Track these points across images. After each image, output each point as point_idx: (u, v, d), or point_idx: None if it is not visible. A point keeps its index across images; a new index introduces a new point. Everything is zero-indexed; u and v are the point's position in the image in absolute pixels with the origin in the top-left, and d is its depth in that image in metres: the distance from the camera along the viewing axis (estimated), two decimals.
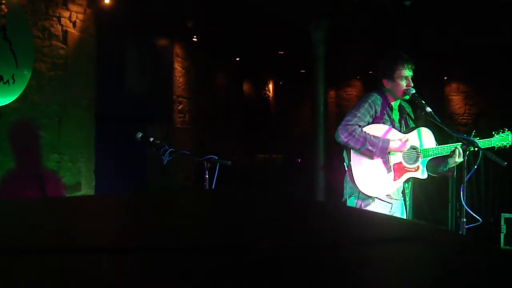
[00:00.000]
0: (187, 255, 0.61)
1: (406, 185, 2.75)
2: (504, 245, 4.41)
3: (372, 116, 2.65)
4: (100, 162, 4.54)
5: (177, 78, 6.68)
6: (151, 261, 0.58)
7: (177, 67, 6.67)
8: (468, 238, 1.48)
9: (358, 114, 2.62)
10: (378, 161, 2.63)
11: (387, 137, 2.63)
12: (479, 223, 2.60)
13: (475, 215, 2.56)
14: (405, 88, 2.64)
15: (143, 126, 5.47)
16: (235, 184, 5.51)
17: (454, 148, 2.59)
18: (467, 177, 2.57)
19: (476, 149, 2.53)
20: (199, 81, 7.42)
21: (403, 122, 2.79)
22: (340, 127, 2.60)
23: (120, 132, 4.88)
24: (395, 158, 2.65)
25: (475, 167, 2.61)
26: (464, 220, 2.52)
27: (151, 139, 2.90)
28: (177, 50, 6.65)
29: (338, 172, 2.86)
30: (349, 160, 2.63)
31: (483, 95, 9.40)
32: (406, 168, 2.66)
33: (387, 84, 2.68)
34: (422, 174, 2.69)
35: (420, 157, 2.65)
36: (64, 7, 4.07)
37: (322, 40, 5.95)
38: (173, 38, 6.46)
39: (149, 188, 5.92)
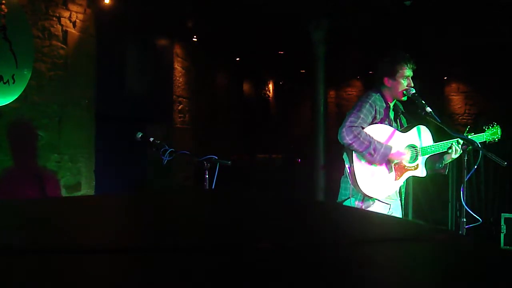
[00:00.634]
0: (187, 255, 0.61)
1: (402, 184, 2.76)
2: (504, 245, 4.41)
3: (373, 116, 2.64)
4: (100, 162, 4.54)
5: (177, 78, 6.68)
6: (151, 261, 0.58)
7: (177, 67, 6.67)
8: (468, 238, 1.48)
9: (361, 115, 2.60)
10: None
11: (392, 139, 2.63)
12: (479, 223, 2.60)
13: (475, 215, 2.57)
14: (406, 87, 2.64)
15: (143, 126, 5.47)
16: (235, 184, 5.51)
17: (450, 145, 2.61)
18: (467, 177, 2.57)
19: (476, 146, 2.54)
20: (199, 81, 7.42)
21: (398, 120, 2.80)
22: (344, 128, 2.57)
23: (120, 132, 4.88)
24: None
25: (475, 167, 2.62)
26: (464, 220, 2.53)
27: (151, 139, 2.90)
28: (177, 50, 6.65)
29: (338, 172, 2.85)
30: (351, 162, 2.62)
31: (483, 95, 9.40)
32: (406, 167, 2.66)
33: (388, 82, 2.68)
34: (421, 172, 2.70)
35: (419, 155, 2.66)
36: (64, 7, 4.07)
37: (322, 40, 5.95)
38: (173, 38, 6.46)
39: (149, 188, 5.92)
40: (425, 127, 2.70)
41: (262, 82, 11.49)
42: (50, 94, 3.87)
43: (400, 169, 2.66)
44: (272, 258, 0.59)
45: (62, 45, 4.05)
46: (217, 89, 8.68)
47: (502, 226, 4.44)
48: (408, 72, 2.65)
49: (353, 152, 2.60)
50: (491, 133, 2.71)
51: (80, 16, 4.26)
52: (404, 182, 2.75)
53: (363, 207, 2.64)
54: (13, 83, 3.39)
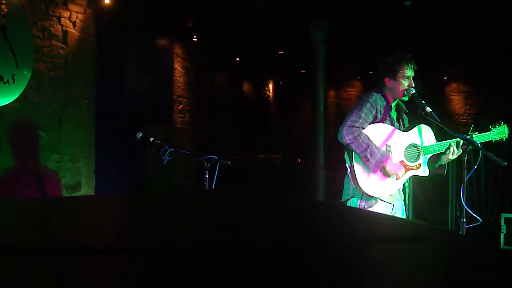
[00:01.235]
0: (187, 255, 0.61)
1: (406, 183, 2.75)
2: (504, 245, 4.41)
3: (374, 116, 2.65)
4: (100, 162, 4.54)
5: (177, 78, 6.68)
6: (151, 261, 0.58)
7: (177, 67, 6.67)
8: (468, 238, 1.48)
9: (362, 115, 2.60)
10: None
11: (392, 138, 2.63)
12: (479, 223, 2.60)
13: (475, 215, 2.56)
14: (406, 88, 2.64)
15: (143, 126, 5.47)
16: (235, 184, 5.51)
17: (449, 145, 2.60)
18: (467, 177, 2.57)
19: (476, 146, 2.53)
20: (199, 81, 7.42)
21: (400, 120, 2.79)
22: (344, 127, 2.57)
23: (120, 132, 4.88)
24: (397, 157, 2.65)
25: (475, 167, 2.61)
26: (464, 220, 2.52)
27: (151, 139, 2.91)
28: (177, 50, 6.65)
29: (338, 172, 2.85)
30: (351, 161, 2.62)
31: (483, 95, 9.40)
32: (408, 167, 2.66)
33: (388, 82, 2.68)
34: (423, 171, 2.69)
35: (421, 155, 2.66)
36: (64, 7, 4.07)
37: (322, 40, 5.95)
38: (173, 38, 6.46)
39: (149, 188, 5.93)
40: (427, 126, 2.69)
41: (262, 82, 11.49)
42: (50, 94, 3.88)
43: (403, 167, 2.66)
44: (272, 258, 0.59)
45: (62, 45, 4.05)
46: (217, 89, 8.68)
47: (502, 226, 4.44)
48: (409, 72, 2.64)
49: (353, 152, 2.61)
50: (498, 132, 2.68)
51: (80, 16, 4.26)
52: (407, 181, 2.75)
53: (365, 206, 2.64)
54: (13, 83, 3.39)
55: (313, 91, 6.05)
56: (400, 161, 2.65)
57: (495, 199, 5.07)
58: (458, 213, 2.60)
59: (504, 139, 2.69)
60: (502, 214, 4.50)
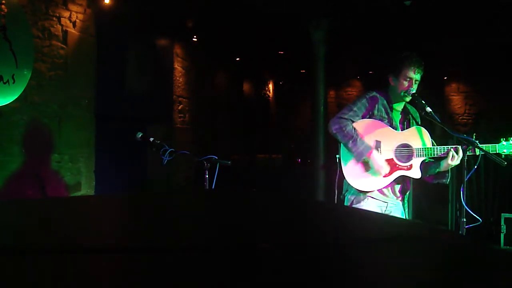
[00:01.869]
0: (187, 255, 0.61)
1: (403, 185, 2.74)
2: (504, 245, 4.41)
3: (369, 111, 2.68)
4: (100, 162, 4.54)
5: (177, 78, 6.68)
6: (151, 261, 0.58)
7: (177, 67, 6.67)
8: (468, 238, 1.48)
9: (354, 108, 2.67)
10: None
11: (378, 132, 2.64)
12: (479, 223, 2.59)
13: (475, 215, 2.56)
14: (405, 88, 2.64)
15: (143, 126, 5.48)
16: (235, 184, 5.51)
17: (447, 150, 2.54)
18: (467, 177, 2.56)
19: (476, 146, 2.51)
20: (199, 81, 7.42)
21: (405, 123, 2.77)
22: (334, 117, 2.69)
23: (120, 132, 4.88)
24: (387, 154, 2.64)
25: (475, 167, 2.60)
26: (464, 220, 2.52)
27: (151, 139, 2.91)
28: (177, 50, 6.65)
29: (337, 171, 2.86)
30: (339, 153, 2.68)
31: (483, 95, 9.41)
32: (398, 166, 2.64)
33: (391, 81, 2.70)
34: (416, 173, 2.64)
35: (413, 156, 2.63)
36: (64, 7, 4.07)
37: (322, 40, 5.95)
38: (173, 38, 6.46)
39: (149, 188, 5.93)
40: (425, 130, 2.67)
41: (262, 82, 11.49)
42: (50, 94, 3.88)
43: (391, 166, 2.64)
44: (272, 258, 0.59)
45: (62, 45, 4.05)
46: (217, 89, 8.68)
47: (502, 226, 4.44)
48: (412, 74, 2.62)
49: (341, 144, 2.67)
50: (509, 146, 2.51)
51: (80, 16, 4.26)
52: (398, 182, 2.73)
53: (354, 201, 2.66)
54: (13, 83, 3.39)
55: (313, 91, 6.04)
56: (389, 159, 2.64)
57: (495, 199, 5.07)
58: (458, 213, 2.59)
59: None
60: (502, 214, 4.50)
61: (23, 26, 3.54)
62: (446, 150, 2.56)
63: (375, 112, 2.67)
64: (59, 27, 4.01)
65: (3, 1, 3.26)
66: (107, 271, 0.55)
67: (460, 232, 2.51)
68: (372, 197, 2.66)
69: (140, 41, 5.65)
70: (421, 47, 6.97)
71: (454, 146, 2.55)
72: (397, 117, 2.75)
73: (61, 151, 4.04)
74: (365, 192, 2.66)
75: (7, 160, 3.46)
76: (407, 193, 2.79)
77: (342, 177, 2.67)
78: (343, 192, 2.73)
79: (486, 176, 5.10)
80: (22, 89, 3.48)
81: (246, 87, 10.52)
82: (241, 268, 0.56)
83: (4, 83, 3.31)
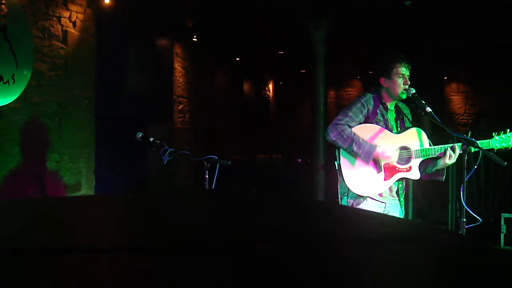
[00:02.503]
0: (187, 255, 0.61)
1: (400, 185, 2.73)
2: (504, 245, 4.41)
3: (365, 115, 2.66)
4: (100, 162, 4.54)
5: (177, 78, 6.68)
6: (151, 261, 0.58)
7: (177, 67, 6.67)
8: (468, 238, 1.48)
9: (350, 114, 2.65)
10: None
11: (378, 137, 2.62)
12: (479, 223, 2.59)
13: (475, 215, 2.56)
14: (403, 86, 2.63)
15: (143, 126, 5.48)
16: (235, 184, 5.51)
17: (444, 150, 2.55)
18: (467, 177, 2.56)
19: (476, 146, 2.51)
20: (199, 81, 7.42)
21: (399, 122, 2.77)
22: (330, 125, 2.66)
23: (120, 132, 4.88)
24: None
25: (475, 167, 2.60)
26: (464, 220, 2.52)
27: (151, 139, 2.91)
28: (177, 50, 6.65)
29: (335, 172, 2.86)
30: (338, 159, 2.66)
31: (483, 95, 9.40)
32: (397, 169, 2.64)
33: (384, 82, 2.69)
34: (415, 175, 2.64)
35: (411, 158, 2.63)
36: (64, 7, 4.07)
37: (322, 40, 5.95)
38: (173, 38, 6.46)
39: (149, 188, 5.92)
40: (422, 130, 2.67)
41: (262, 82, 11.49)
42: (50, 94, 3.88)
43: (391, 169, 2.64)
44: (272, 258, 0.59)
45: (62, 45, 4.05)
46: (217, 89, 8.68)
47: (502, 226, 4.43)
48: (403, 70, 2.64)
49: (340, 149, 2.64)
50: (501, 140, 2.53)
51: (80, 16, 4.26)
52: (399, 183, 2.73)
53: (354, 204, 2.65)
54: (13, 83, 3.39)
55: (313, 91, 6.04)
56: (389, 163, 2.64)
57: (495, 199, 5.07)
58: (458, 213, 2.58)
59: (510, 147, 2.53)
60: (502, 214, 4.50)
61: (23, 26, 3.54)
62: (443, 150, 2.56)
63: (370, 115, 2.67)
64: (59, 27, 4.01)
65: (3, 1, 3.26)
66: (107, 271, 0.55)
67: (460, 232, 2.50)
68: (371, 198, 2.66)
69: (140, 41, 5.65)
70: (421, 47, 6.98)
71: (451, 145, 2.56)
72: (392, 117, 2.75)
73: (61, 151, 4.04)
74: (366, 197, 2.66)
75: (7, 160, 3.46)
76: (404, 192, 2.80)
77: (342, 181, 2.66)
78: (342, 195, 2.72)
79: (486, 176, 5.10)
80: (22, 89, 3.48)
81: (246, 87, 10.51)
82: (240, 268, 0.56)
83: (4, 83, 3.31)
